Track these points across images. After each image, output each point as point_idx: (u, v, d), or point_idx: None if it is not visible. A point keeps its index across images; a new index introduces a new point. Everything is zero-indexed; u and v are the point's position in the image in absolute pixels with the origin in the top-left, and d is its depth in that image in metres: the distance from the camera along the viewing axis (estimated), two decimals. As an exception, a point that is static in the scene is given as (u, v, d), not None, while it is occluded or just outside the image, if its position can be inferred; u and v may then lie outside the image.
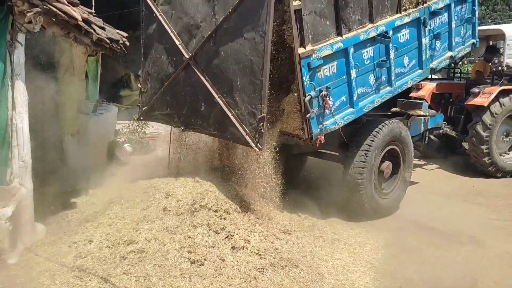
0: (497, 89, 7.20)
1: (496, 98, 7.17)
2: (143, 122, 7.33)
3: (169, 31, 4.73)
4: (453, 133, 7.65)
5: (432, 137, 7.56)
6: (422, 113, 6.48)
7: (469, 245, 4.64)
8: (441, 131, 7.40)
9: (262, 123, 3.92)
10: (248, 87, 4.03)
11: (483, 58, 8.16)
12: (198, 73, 4.44)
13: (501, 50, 7.86)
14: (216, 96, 4.28)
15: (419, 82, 8.44)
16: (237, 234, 3.80)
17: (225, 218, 3.96)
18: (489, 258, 4.32)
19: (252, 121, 4.01)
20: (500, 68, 7.79)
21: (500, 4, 43.26)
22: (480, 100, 7.24)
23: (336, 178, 5.51)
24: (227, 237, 3.77)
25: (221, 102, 4.24)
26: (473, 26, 6.45)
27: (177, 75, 4.68)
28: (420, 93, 8.06)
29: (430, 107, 7.66)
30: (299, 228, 4.47)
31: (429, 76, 8.64)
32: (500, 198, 6.34)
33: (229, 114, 4.17)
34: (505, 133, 7.63)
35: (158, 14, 4.86)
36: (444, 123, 7.48)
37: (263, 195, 4.74)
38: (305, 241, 4.21)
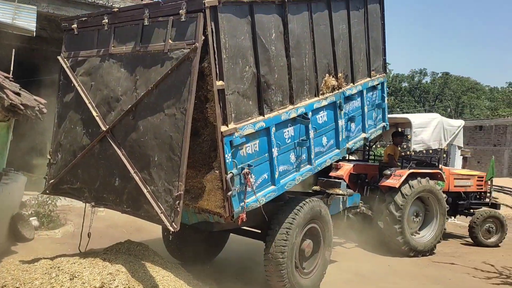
0: (406, 172, 7.74)
1: (406, 180, 7.68)
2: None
3: (87, 102, 4.54)
4: (369, 212, 7.96)
5: (350, 215, 7.82)
6: (341, 192, 6.69)
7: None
8: (358, 210, 7.67)
9: (178, 201, 3.75)
10: (165, 163, 3.89)
11: (392, 142, 8.82)
12: (114, 146, 4.24)
13: (409, 137, 8.59)
14: (132, 171, 4.07)
15: (336, 162, 8.95)
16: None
17: (137, 301, 3.61)
18: None
19: (168, 199, 3.82)
20: (408, 152, 8.48)
21: (406, 95, 48.40)
22: (392, 182, 7.71)
23: (258, 257, 5.38)
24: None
25: (136, 178, 4.03)
26: (383, 111, 7.04)
27: (91, 147, 4.43)
28: (339, 172, 8.43)
29: (348, 186, 8.02)
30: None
31: (347, 157, 9.17)
32: (414, 279, 6.54)
33: (145, 191, 3.95)
34: (415, 214, 8.12)
35: (76, 84, 4.68)
36: (361, 202, 7.78)
37: (175, 272, 4.47)
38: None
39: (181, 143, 3.79)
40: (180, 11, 3.84)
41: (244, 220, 4.37)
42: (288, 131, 5.01)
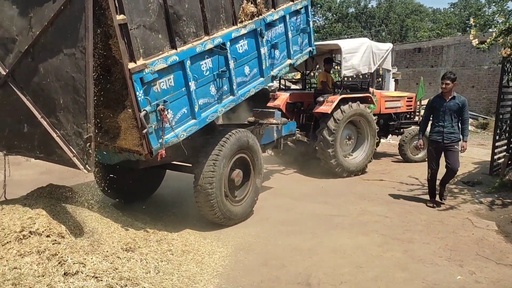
0: (338, 98, 7.94)
1: (338, 106, 7.90)
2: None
3: (-19, 44, 4.21)
4: (305, 139, 8.23)
5: (289, 143, 8.06)
6: (274, 121, 6.82)
7: (310, 241, 5.00)
8: (294, 137, 7.91)
9: (89, 143, 3.70)
10: (72, 106, 3.77)
11: (324, 69, 8.93)
12: (17, 91, 4.03)
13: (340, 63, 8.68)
14: (38, 116, 3.93)
15: (273, 91, 9.03)
16: (70, 258, 3.53)
17: (59, 243, 3.66)
18: (324, 252, 4.70)
19: (79, 142, 3.76)
20: (340, 78, 8.64)
21: (353, 22, 48.12)
22: (325, 108, 7.92)
23: (190, 190, 5.53)
24: (59, 263, 3.48)
25: (44, 123, 3.91)
26: (309, 35, 6.99)
27: (-6, 94, 4.19)
28: (276, 102, 8.53)
29: (285, 115, 8.17)
30: (145, 244, 4.33)
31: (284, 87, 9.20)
32: (342, 196, 6.98)
33: (54, 136, 3.86)
34: (347, 137, 8.47)
35: (-33, 26, 4.28)
36: (297, 130, 8.00)
37: (103, 211, 4.53)
38: (150, 256, 4.09)
39: (84, 83, 3.66)
40: None
41: (164, 156, 4.40)
42: (205, 63, 4.92)
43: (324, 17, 49.12)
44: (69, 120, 3.81)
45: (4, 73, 4.08)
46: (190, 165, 5.58)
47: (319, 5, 45.18)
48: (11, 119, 4.17)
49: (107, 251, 3.79)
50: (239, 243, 4.91)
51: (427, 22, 50.48)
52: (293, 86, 14.13)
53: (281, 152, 8.79)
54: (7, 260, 3.45)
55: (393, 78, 10.89)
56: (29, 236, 3.65)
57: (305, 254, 4.65)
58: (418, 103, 10.48)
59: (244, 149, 5.63)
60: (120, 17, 3.83)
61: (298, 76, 15.04)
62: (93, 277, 3.44)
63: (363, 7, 50.15)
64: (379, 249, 4.82)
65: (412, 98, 10.38)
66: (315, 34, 43.97)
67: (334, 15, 48.81)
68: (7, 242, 3.60)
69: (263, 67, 5.88)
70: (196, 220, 5.53)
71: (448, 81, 6.01)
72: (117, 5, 3.79)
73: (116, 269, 3.62)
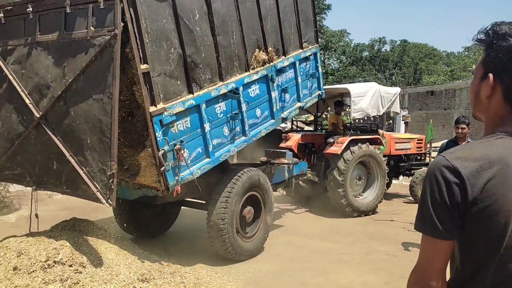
0: (347, 139, 8.22)
1: (348, 147, 8.18)
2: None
3: (19, 90, 4.70)
4: (316, 179, 8.47)
5: (300, 183, 8.32)
6: (285, 161, 7.14)
7: (317, 278, 5.15)
8: (305, 177, 8.17)
9: (112, 180, 4.05)
10: (98, 146, 4.15)
11: (334, 112, 9.30)
12: (49, 132, 4.45)
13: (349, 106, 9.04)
14: (67, 155, 4.32)
15: (286, 133, 9.40)
16: (91, 286, 3.80)
17: (80, 272, 3.94)
18: (333, 288, 4.85)
19: (102, 178, 4.11)
20: (348, 120, 8.98)
21: (367, 64, 49.02)
22: (335, 149, 8.18)
23: (204, 226, 5.78)
24: (80, 291, 3.75)
25: (72, 161, 4.29)
26: (318, 80, 7.42)
27: (28, 134, 4.63)
28: (288, 143, 8.85)
29: (296, 156, 8.47)
30: (160, 275, 4.54)
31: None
32: (352, 235, 7.12)
33: (81, 172, 4.22)
34: (358, 177, 8.68)
35: (8, 73, 4.81)
36: (309, 170, 8.27)
37: (121, 244, 4.80)
38: (164, 288, 4.32)
39: (110, 125, 4.05)
40: (99, -1, 4.04)
41: (179, 192, 4.71)
42: (219, 106, 5.32)
43: (338, 60, 50.26)
44: (95, 158, 4.18)
45: (38, 116, 4.53)
46: (204, 202, 5.88)
47: (333, 49, 46.33)
48: (42, 157, 4.58)
49: (124, 281, 4.04)
50: (249, 278, 5.09)
51: (441, 66, 51.12)
52: (306, 128, 14.52)
53: (293, 192, 9.02)
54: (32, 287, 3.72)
55: (403, 120, 11.21)
56: (53, 265, 3.93)
57: (314, 290, 4.80)
58: (428, 145, 10.67)
59: (255, 187, 5.91)
60: (143, 66, 4.27)
61: (312, 117, 15.47)
62: (110, 304, 3.69)
63: (377, 51, 51.29)
64: (386, 287, 4.93)
65: (422, 140, 10.60)
66: (330, 77, 45.04)
67: (349, 59, 49.93)
68: (33, 271, 3.88)
69: (274, 110, 6.26)
70: (208, 255, 5.73)
71: (464, 126, 6.04)
72: (141, 56, 4.25)
73: (132, 298, 3.86)
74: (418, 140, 10.53)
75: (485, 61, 1.34)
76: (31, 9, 4.60)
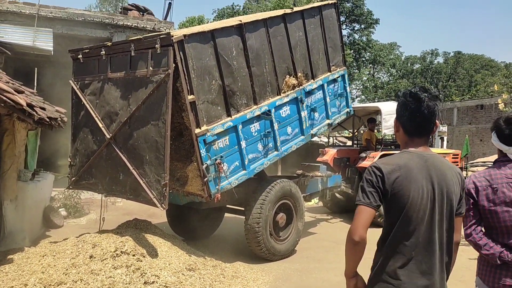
0: (379, 154, 8.83)
1: None
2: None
3: (94, 116, 5.90)
4: (350, 191, 9.13)
5: (337, 194, 9.01)
6: (318, 174, 7.92)
7: (341, 276, 5.81)
8: (339, 189, 8.88)
9: (165, 188, 5.05)
10: (154, 161, 5.19)
11: (368, 128, 9.94)
12: (117, 149, 5.58)
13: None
14: (131, 168, 5.40)
15: (323, 148, 10.13)
16: (149, 272, 4.78)
17: (141, 260, 4.92)
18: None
19: (158, 187, 5.13)
20: (380, 137, 9.58)
21: (418, 77, 47.78)
22: (367, 163, 8.83)
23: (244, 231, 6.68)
24: (141, 274, 4.74)
25: (135, 173, 5.36)
26: (346, 98, 8.15)
27: (100, 151, 5.80)
28: (324, 157, 9.60)
29: (332, 169, 9.19)
30: (203, 267, 5.47)
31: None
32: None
33: (141, 182, 5.28)
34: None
35: (85, 102, 6.04)
36: (343, 182, 8.95)
37: (173, 241, 5.79)
38: (207, 277, 5.22)
39: (164, 145, 5.07)
40: (156, 45, 5.11)
41: (219, 199, 5.65)
42: (254, 126, 6.23)
43: (388, 74, 49.77)
44: (152, 171, 5.23)
45: (109, 137, 5.69)
46: (242, 208, 6.78)
47: (381, 63, 46.04)
48: (111, 170, 5.72)
49: (175, 269, 5.00)
50: (280, 274, 5.91)
51: (499, 77, 49.00)
52: (348, 143, 15.12)
53: (329, 203, 9.71)
54: (104, 272, 4.74)
55: (438, 136, 11.49)
56: (121, 255, 4.96)
57: (334, 285, 5.52)
58: (464, 159, 10.92)
59: (287, 196, 6.74)
60: (190, 97, 5.29)
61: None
62: (164, 286, 4.65)
63: (429, 63, 50.23)
64: None
65: (458, 155, 10.87)
66: (380, 90, 44.73)
67: (399, 72, 49.29)
68: (105, 259, 4.93)
69: (304, 127, 7.08)
70: (246, 255, 6.60)
71: None
72: (188, 88, 5.27)
73: (181, 282, 4.81)
74: (453, 155, 10.81)
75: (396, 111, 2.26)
76: (104, 52, 5.80)
